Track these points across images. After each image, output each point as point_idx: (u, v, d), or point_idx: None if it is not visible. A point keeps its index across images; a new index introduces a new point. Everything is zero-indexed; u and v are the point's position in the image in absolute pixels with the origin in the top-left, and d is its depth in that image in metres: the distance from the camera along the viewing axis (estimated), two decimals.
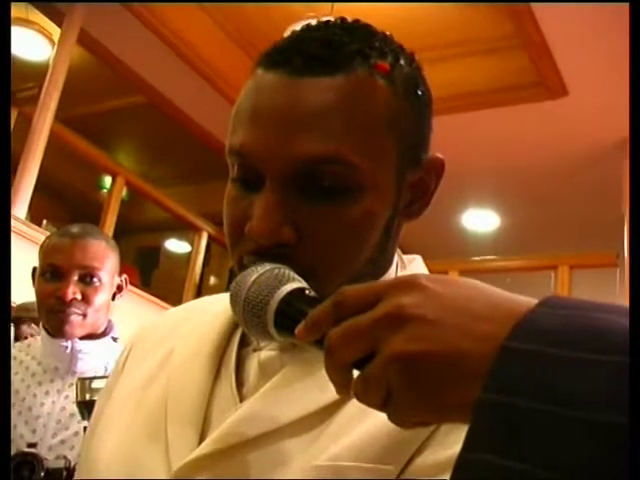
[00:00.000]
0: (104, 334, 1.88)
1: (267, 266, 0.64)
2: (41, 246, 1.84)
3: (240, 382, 0.76)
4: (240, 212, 0.71)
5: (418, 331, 0.49)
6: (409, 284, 0.52)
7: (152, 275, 9.88)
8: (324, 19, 0.79)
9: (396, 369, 0.49)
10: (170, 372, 0.80)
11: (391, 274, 0.79)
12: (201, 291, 7.80)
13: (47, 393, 1.75)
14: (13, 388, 1.78)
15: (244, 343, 0.79)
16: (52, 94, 5.91)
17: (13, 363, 1.83)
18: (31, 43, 6.82)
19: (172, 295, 7.25)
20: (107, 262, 1.82)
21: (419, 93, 0.77)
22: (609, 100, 5.81)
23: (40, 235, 5.62)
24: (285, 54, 0.72)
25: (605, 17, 5.20)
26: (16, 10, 6.61)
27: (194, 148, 7.64)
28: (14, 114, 6.08)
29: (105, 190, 8.06)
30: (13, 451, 1.48)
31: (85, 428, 1.50)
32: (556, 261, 6.52)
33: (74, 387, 1.67)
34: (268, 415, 0.70)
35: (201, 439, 0.72)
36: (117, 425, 0.80)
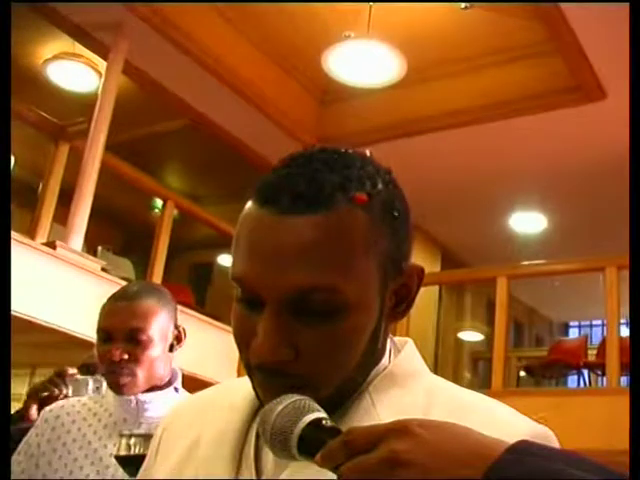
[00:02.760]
0: (168, 384, 1.94)
1: (289, 398, 0.75)
2: (100, 311, 1.92)
3: (259, 471, 0.87)
4: (246, 327, 0.83)
5: (410, 474, 0.60)
6: (402, 431, 0.63)
7: (206, 293, 10.02)
8: (309, 150, 0.87)
9: None
10: (197, 464, 0.90)
11: (385, 362, 0.90)
12: None
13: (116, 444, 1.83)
14: (86, 439, 1.89)
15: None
16: (101, 126, 6.09)
17: (87, 414, 1.94)
18: (78, 76, 7.04)
19: (226, 314, 7.35)
20: (155, 319, 1.88)
21: (395, 214, 0.85)
22: None
23: (96, 265, 5.80)
24: (275, 193, 0.81)
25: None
26: (62, 44, 6.84)
27: (238, 165, 7.78)
28: (65, 149, 6.27)
29: (157, 210, 8.22)
30: None
31: None
32: (604, 262, 6.49)
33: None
34: None
35: None
36: None
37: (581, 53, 5.74)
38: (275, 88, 6.76)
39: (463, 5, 5.70)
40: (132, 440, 1.63)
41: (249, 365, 0.84)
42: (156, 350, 1.87)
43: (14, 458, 1.94)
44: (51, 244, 5.27)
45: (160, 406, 1.88)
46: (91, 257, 5.90)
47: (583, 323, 13.52)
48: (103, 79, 6.40)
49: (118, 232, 9.84)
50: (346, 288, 0.79)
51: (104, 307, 1.89)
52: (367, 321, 0.83)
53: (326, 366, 0.82)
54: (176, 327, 1.96)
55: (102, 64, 6.60)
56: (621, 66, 5.78)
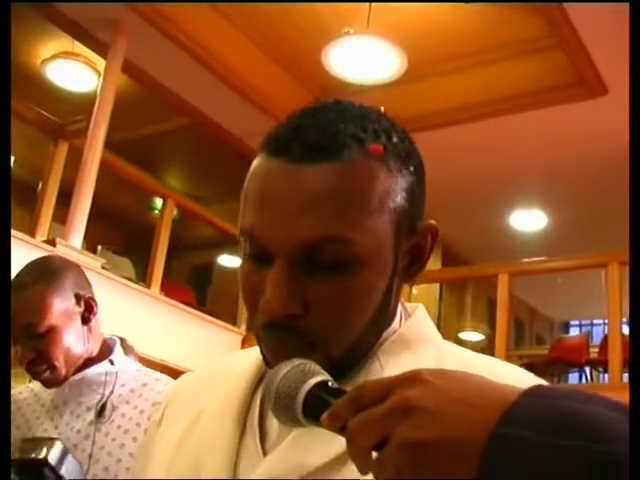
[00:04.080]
0: (101, 357, 1.87)
1: (294, 362, 0.72)
2: None
3: (263, 436, 0.84)
4: (254, 285, 0.80)
5: (422, 420, 0.57)
6: (414, 379, 0.60)
7: (206, 293, 10.01)
8: (320, 103, 0.85)
9: (405, 454, 0.57)
10: (200, 432, 0.88)
11: (395, 326, 0.87)
12: None
13: (57, 427, 1.82)
14: (28, 424, 1.86)
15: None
16: (100, 124, 6.08)
17: (32, 399, 1.91)
18: (77, 75, 7.02)
19: (226, 312, 7.36)
20: (46, 306, 1.77)
21: (411, 168, 0.83)
22: None
23: (96, 262, 5.79)
24: (286, 142, 0.78)
25: None
26: (61, 44, 6.82)
27: (238, 164, 7.75)
28: (64, 147, 6.25)
29: (156, 211, 8.21)
30: None
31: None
32: (606, 259, 6.47)
33: (79, 418, 1.78)
34: (295, 463, 0.79)
35: None
36: None
37: (582, 48, 5.72)
38: (275, 86, 6.74)
39: None
40: (25, 444, 1.63)
41: (258, 328, 0.81)
42: (62, 334, 1.78)
43: None
44: (51, 242, 5.26)
45: (95, 381, 1.82)
46: (91, 255, 5.89)
47: (584, 322, 13.51)
48: (102, 77, 6.39)
49: (118, 232, 9.82)
50: (359, 240, 0.76)
51: None
52: (379, 278, 0.80)
53: (337, 322, 0.79)
54: (78, 298, 1.84)
55: (101, 63, 6.59)
56: (622, 61, 5.77)
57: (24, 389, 1.98)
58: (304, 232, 0.76)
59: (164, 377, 1.90)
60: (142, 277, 6.99)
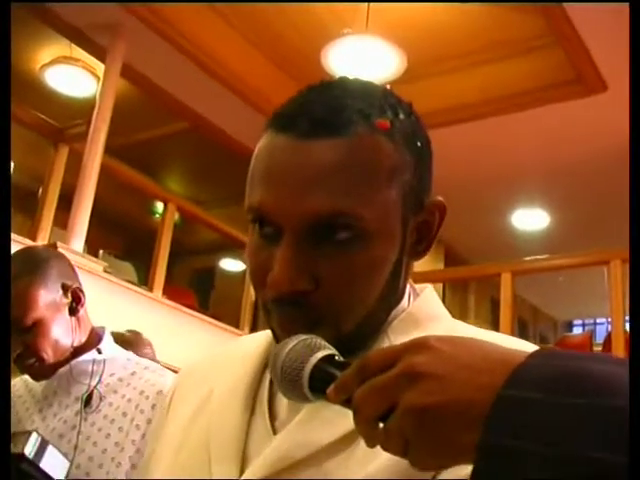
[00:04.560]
0: (89, 347, 1.86)
1: (300, 337, 0.71)
2: None
3: (273, 416, 0.84)
4: (262, 262, 0.79)
5: (429, 386, 0.57)
6: (420, 345, 0.60)
7: (209, 297, 10.02)
8: (326, 80, 0.85)
9: (411, 420, 0.57)
10: (210, 413, 0.88)
11: (404, 305, 0.87)
12: (257, 308, 7.90)
13: (44, 418, 1.81)
14: (18, 416, 1.85)
15: None
16: (100, 128, 6.08)
17: (24, 391, 1.90)
18: (76, 80, 7.03)
19: (229, 315, 7.36)
20: (31, 299, 1.75)
21: (418, 144, 0.83)
22: None
23: (97, 266, 5.79)
24: (293, 118, 0.78)
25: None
26: (60, 48, 6.83)
27: (239, 168, 7.72)
28: (65, 151, 6.25)
29: (158, 215, 8.22)
30: None
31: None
32: (608, 256, 6.45)
33: (67, 409, 1.77)
34: (303, 442, 0.78)
35: (241, 473, 0.81)
36: (164, 465, 0.89)
37: (581, 45, 5.72)
38: (274, 88, 6.74)
39: None
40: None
41: (266, 303, 0.80)
42: (50, 326, 1.77)
43: None
44: (52, 246, 5.24)
45: (83, 371, 1.81)
46: (93, 258, 5.88)
47: (587, 321, 13.50)
48: (101, 81, 6.40)
49: (119, 237, 9.83)
50: (367, 215, 0.76)
51: None
52: (388, 253, 0.80)
53: (346, 298, 0.78)
54: (65, 289, 1.83)
55: (100, 67, 6.60)
56: (622, 57, 5.77)
57: (17, 381, 1.96)
58: (313, 206, 0.75)
59: (154, 365, 1.89)
60: (144, 281, 7.00)
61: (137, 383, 1.80)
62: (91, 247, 6.80)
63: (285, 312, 0.78)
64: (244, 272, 8.25)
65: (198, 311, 7.02)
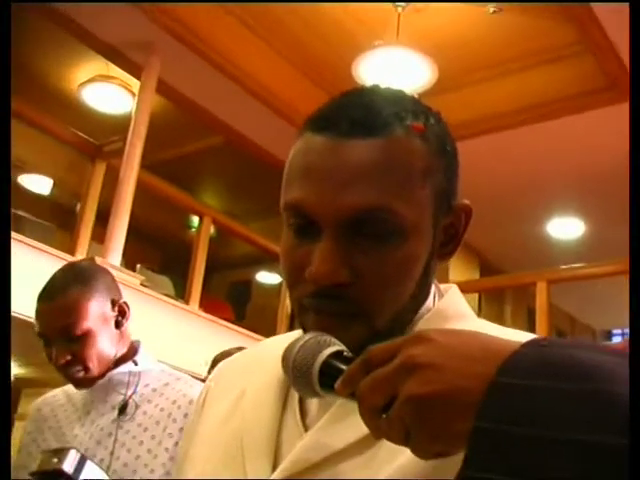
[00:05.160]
0: (125, 360, 1.93)
1: (311, 334, 0.75)
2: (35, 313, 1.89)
3: (304, 413, 0.87)
4: (299, 259, 0.81)
5: (426, 376, 0.60)
6: (419, 338, 0.63)
7: (245, 309, 10.06)
8: (360, 87, 0.89)
9: (410, 409, 0.60)
10: (243, 411, 0.91)
11: (429, 304, 0.89)
12: (294, 320, 7.93)
13: (83, 425, 1.89)
14: (59, 424, 1.94)
15: None
16: (136, 144, 6.18)
17: (65, 400, 1.99)
18: (113, 97, 7.15)
19: (266, 327, 7.40)
20: (83, 309, 1.83)
21: (448, 149, 0.86)
22: None
23: (135, 279, 5.87)
24: (332, 119, 0.81)
25: None
26: (97, 67, 6.96)
27: (274, 181, 7.75)
28: (102, 167, 6.35)
29: (194, 229, 8.29)
30: None
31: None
32: None
33: (104, 417, 1.85)
34: (329, 441, 0.81)
35: (274, 469, 0.83)
36: (199, 463, 0.92)
37: (613, 51, 5.70)
38: (307, 101, 6.78)
39: (492, 10, 5.69)
40: (43, 456, 1.66)
41: (301, 299, 0.83)
42: (98, 337, 1.85)
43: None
44: (90, 260, 5.34)
45: (120, 381, 1.89)
46: (130, 272, 5.96)
47: (626, 330, 13.32)
48: (136, 98, 6.49)
49: (156, 251, 9.93)
50: (403, 211, 0.79)
51: (36, 309, 1.86)
52: (422, 250, 0.83)
53: (383, 292, 0.81)
54: (113, 303, 1.91)
55: (136, 84, 6.70)
56: None
57: (58, 391, 2.05)
58: (351, 202, 0.78)
59: (185, 377, 1.96)
60: (181, 294, 7.06)
61: (170, 393, 1.88)
62: (129, 262, 6.89)
63: (323, 305, 0.80)
64: (280, 285, 8.29)
65: (234, 323, 7.07)
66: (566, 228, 8.67)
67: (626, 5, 5.12)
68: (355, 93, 0.86)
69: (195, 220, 8.15)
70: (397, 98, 0.85)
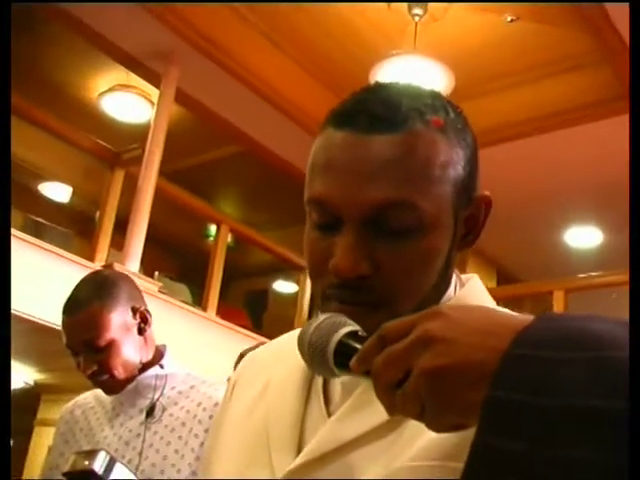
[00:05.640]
0: (152, 364, 1.99)
1: (326, 315, 0.77)
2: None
3: (327, 401, 0.89)
4: (322, 251, 0.83)
5: (440, 349, 0.61)
6: (433, 313, 0.64)
7: (262, 317, 10.09)
8: (378, 83, 0.90)
9: (424, 381, 0.61)
10: (268, 400, 0.93)
11: (450, 294, 0.91)
12: None
13: (112, 427, 1.95)
14: (90, 426, 2.00)
15: None
16: (155, 152, 6.22)
17: (96, 403, 2.05)
18: (132, 106, 7.20)
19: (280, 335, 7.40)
20: (105, 321, 1.87)
21: (467, 141, 0.87)
22: None
23: (153, 286, 5.91)
24: (352, 115, 0.83)
25: None
26: (117, 76, 7.02)
27: (291, 190, 7.81)
28: (121, 175, 6.41)
29: (211, 238, 8.32)
30: None
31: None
32: None
33: (133, 419, 1.92)
34: (350, 427, 0.83)
35: (299, 454, 0.85)
36: (226, 454, 0.94)
37: (629, 59, 5.69)
38: (324, 109, 6.76)
39: (509, 18, 5.71)
40: (74, 457, 1.70)
41: (324, 290, 0.85)
42: (122, 346, 1.90)
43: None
44: (109, 266, 5.38)
45: (147, 385, 1.95)
46: (148, 279, 6.00)
47: None
48: (155, 106, 6.54)
49: (174, 260, 9.97)
50: (424, 205, 0.81)
51: (62, 321, 1.91)
52: (443, 243, 0.84)
53: (405, 284, 0.82)
54: (134, 311, 1.95)
55: (155, 93, 6.75)
56: None
57: (89, 394, 2.12)
58: (373, 196, 0.80)
59: (210, 380, 2.01)
60: (199, 302, 7.09)
61: (195, 396, 1.94)
62: (147, 269, 6.93)
63: (346, 295, 0.82)
64: (297, 293, 8.31)
65: (252, 331, 7.10)
66: (584, 237, 8.63)
67: None
68: (375, 89, 0.88)
69: (212, 229, 8.18)
70: (416, 93, 0.86)
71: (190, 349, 5.78)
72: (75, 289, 1.95)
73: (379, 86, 0.89)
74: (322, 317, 0.76)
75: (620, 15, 5.31)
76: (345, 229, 0.81)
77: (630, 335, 0.56)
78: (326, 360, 0.72)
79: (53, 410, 7.69)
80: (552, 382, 0.54)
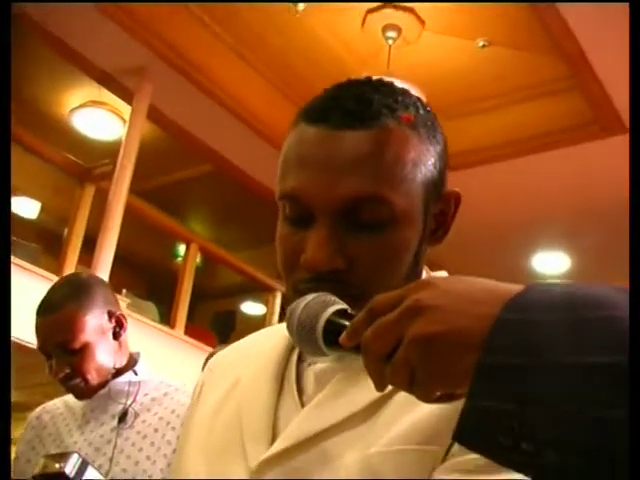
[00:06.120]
0: (126, 369, 1.97)
1: (313, 295, 0.76)
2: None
3: (300, 393, 0.89)
4: (294, 246, 0.84)
5: (432, 317, 0.60)
6: (424, 284, 0.64)
7: (230, 339, 10.02)
8: (352, 79, 0.91)
9: (415, 349, 0.60)
10: (239, 395, 0.93)
11: None
12: None
13: (83, 433, 1.92)
14: (59, 432, 1.96)
15: (301, 360, 0.92)
16: (126, 167, 6.19)
17: (65, 409, 2.02)
18: (104, 123, 7.16)
19: None
20: (80, 323, 1.85)
21: (437, 138, 0.89)
22: None
23: (121, 303, 5.84)
24: (324, 111, 0.85)
25: None
26: (89, 92, 6.98)
27: (262, 210, 7.80)
28: (91, 190, 6.35)
29: (180, 259, 8.28)
30: None
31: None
32: None
33: (104, 425, 1.89)
34: (326, 415, 0.83)
35: (273, 444, 0.85)
36: (195, 450, 0.94)
37: (600, 88, 5.78)
38: None
39: (481, 43, 5.77)
40: (44, 460, 1.68)
41: (297, 285, 0.85)
42: (96, 349, 1.88)
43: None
44: (87, 272, 5.31)
45: (120, 390, 1.93)
46: (117, 295, 5.93)
47: None
48: (128, 122, 6.51)
49: (142, 280, 9.90)
50: (395, 201, 0.82)
51: (35, 323, 1.89)
52: (413, 237, 0.86)
53: (375, 277, 0.83)
54: (110, 315, 1.93)
55: (127, 111, 6.72)
56: None
57: (58, 401, 2.09)
58: (345, 191, 0.81)
59: (184, 388, 1.99)
60: (167, 322, 7.04)
61: (168, 403, 1.92)
62: (115, 287, 6.82)
63: (322, 289, 0.81)
64: (265, 315, 8.27)
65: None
66: (552, 262, 8.70)
67: (615, 40, 5.22)
68: (347, 85, 0.89)
69: (181, 250, 8.14)
70: (388, 89, 0.88)
71: (158, 366, 5.71)
72: (50, 290, 1.93)
73: (351, 82, 0.90)
74: (310, 296, 0.75)
75: (591, 44, 5.40)
76: (317, 223, 0.82)
77: (631, 336, 0.55)
78: (315, 339, 0.72)
79: (20, 429, 7.55)
80: (543, 343, 0.54)
